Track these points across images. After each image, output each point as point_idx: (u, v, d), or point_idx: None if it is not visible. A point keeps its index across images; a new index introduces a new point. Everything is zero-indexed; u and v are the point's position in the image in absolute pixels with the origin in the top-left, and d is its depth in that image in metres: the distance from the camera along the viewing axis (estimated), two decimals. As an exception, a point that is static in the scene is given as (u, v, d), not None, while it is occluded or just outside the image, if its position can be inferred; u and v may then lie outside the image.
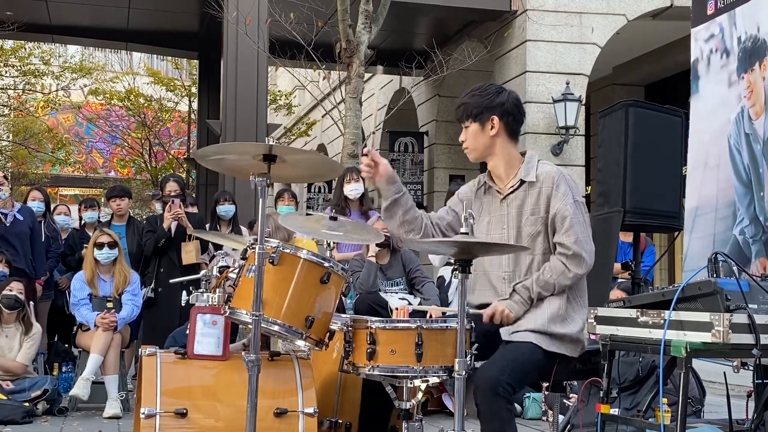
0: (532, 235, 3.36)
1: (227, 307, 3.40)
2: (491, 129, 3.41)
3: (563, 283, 3.30)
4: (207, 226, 7.51)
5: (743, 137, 4.75)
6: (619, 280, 6.50)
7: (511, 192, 3.43)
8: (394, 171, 3.48)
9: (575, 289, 3.38)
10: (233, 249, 6.39)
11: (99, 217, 8.13)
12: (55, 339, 7.60)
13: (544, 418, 5.98)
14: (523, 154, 3.51)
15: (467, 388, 3.09)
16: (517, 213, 3.41)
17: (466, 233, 3.08)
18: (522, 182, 3.40)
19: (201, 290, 3.84)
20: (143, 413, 3.45)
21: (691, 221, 5.04)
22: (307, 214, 4.22)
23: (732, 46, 4.90)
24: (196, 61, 17.18)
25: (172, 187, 7.37)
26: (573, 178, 3.46)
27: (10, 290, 6.39)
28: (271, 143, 3.22)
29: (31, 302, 6.80)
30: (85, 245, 7.15)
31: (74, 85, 21.41)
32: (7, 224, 7.04)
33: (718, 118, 4.96)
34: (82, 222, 8.11)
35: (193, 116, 21.14)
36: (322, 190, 16.33)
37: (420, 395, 3.41)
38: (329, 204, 7.45)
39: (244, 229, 7.69)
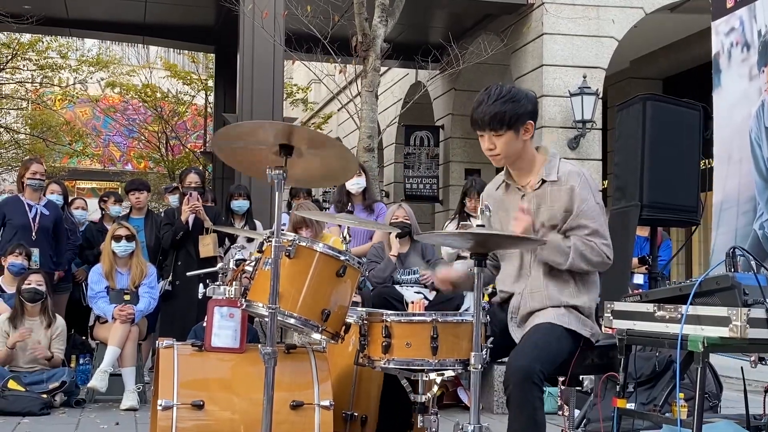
0: (547, 226, 3.33)
1: (244, 299, 3.42)
2: (525, 133, 3.35)
3: (591, 258, 3.27)
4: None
5: (763, 131, 4.71)
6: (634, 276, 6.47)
7: (533, 190, 3.39)
8: (449, 274, 3.58)
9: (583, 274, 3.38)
10: (248, 241, 6.43)
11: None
12: (72, 331, 7.65)
13: (560, 412, 5.97)
14: (537, 148, 3.47)
15: (482, 382, 3.07)
16: (536, 208, 3.37)
17: (482, 226, 3.07)
18: (543, 181, 3.37)
19: (218, 283, 3.86)
20: (160, 405, 3.48)
21: (717, 216, 5.00)
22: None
23: (752, 40, 4.86)
24: (212, 54, 17.22)
25: (192, 179, 7.37)
26: (591, 176, 3.43)
27: (29, 283, 6.42)
28: (290, 124, 3.20)
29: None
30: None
31: (91, 78, 21.49)
32: (32, 217, 7.08)
33: (740, 112, 4.93)
34: (102, 213, 8.14)
35: (209, 110, 21.19)
36: (338, 183, 16.32)
37: (435, 389, 3.40)
38: (332, 200, 7.45)
39: (258, 223, 7.70)
